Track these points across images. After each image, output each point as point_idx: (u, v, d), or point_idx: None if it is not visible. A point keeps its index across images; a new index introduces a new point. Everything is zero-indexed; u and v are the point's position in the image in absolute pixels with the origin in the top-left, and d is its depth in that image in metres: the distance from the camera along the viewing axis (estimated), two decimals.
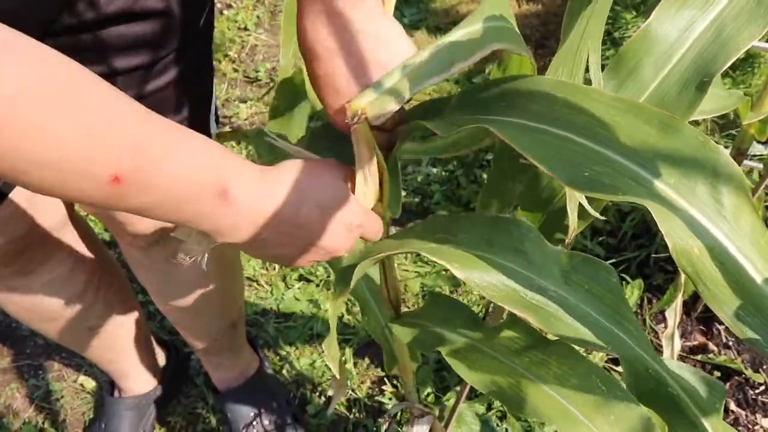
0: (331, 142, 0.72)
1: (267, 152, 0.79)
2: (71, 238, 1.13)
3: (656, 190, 0.52)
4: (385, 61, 0.63)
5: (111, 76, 0.79)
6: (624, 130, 0.55)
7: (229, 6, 2.57)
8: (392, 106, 0.60)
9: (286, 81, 1.05)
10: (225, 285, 1.25)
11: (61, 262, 1.12)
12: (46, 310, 1.17)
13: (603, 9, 0.68)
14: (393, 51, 0.64)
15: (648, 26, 0.67)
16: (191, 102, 0.89)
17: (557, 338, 0.60)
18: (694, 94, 0.65)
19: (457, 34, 0.63)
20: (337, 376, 0.80)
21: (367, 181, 0.66)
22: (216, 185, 0.54)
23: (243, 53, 2.43)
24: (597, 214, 0.77)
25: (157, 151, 0.50)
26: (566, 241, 0.82)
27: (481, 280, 0.61)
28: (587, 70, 0.72)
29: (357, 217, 0.65)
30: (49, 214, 1.04)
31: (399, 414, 1.48)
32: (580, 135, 0.56)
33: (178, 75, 0.85)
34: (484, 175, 1.94)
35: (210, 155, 0.55)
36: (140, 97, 0.82)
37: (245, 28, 2.50)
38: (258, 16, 2.55)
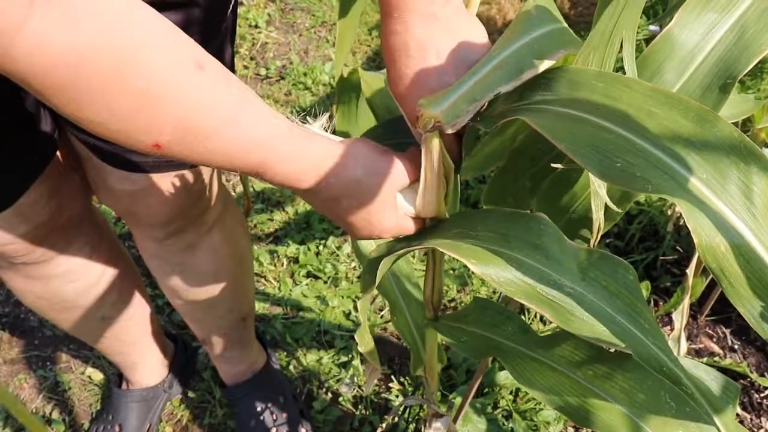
0: (399, 135, 0.74)
1: None
2: (89, 227, 1.15)
3: (687, 184, 0.52)
4: (472, 61, 0.64)
5: None
6: (660, 121, 0.54)
7: (241, 3, 2.58)
8: (465, 116, 0.61)
9: (345, 81, 1.05)
10: (237, 278, 1.26)
11: (79, 251, 1.13)
12: (61, 299, 1.18)
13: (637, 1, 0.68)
14: (479, 51, 0.65)
15: (669, 30, 0.68)
16: None
17: (615, 350, 0.60)
18: (717, 96, 0.65)
19: (523, 40, 0.64)
20: (377, 367, 0.81)
21: (433, 187, 0.67)
22: (255, 168, 0.60)
23: (254, 50, 2.43)
24: (618, 210, 0.77)
25: (203, 126, 0.54)
26: (591, 241, 0.82)
27: (498, 275, 0.61)
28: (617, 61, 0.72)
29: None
30: (71, 203, 1.05)
31: (407, 411, 1.49)
32: (617, 124, 0.55)
33: None
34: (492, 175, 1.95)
35: (255, 141, 0.59)
36: None
37: (256, 26, 2.51)
38: (269, 14, 2.56)
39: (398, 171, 0.67)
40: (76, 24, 0.45)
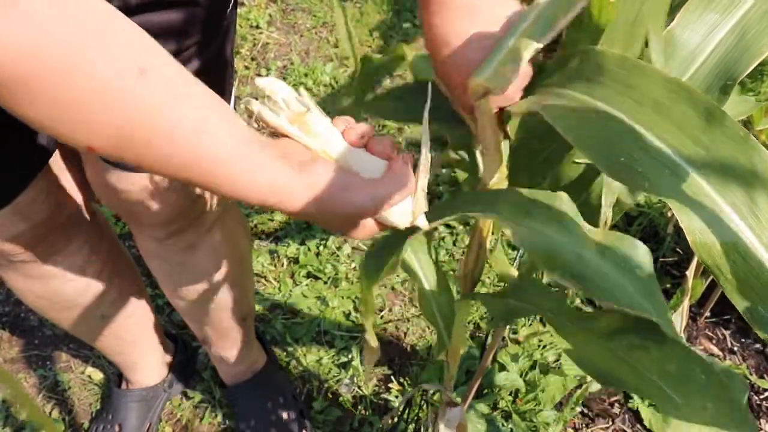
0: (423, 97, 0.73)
1: None
2: (88, 226, 1.15)
3: (688, 179, 0.52)
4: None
5: None
6: (669, 113, 0.54)
7: (242, 4, 2.58)
8: (511, 74, 0.60)
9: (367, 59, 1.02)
10: (237, 278, 1.26)
11: (78, 250, 1.13)
12: (61, 297, 1.18)
13: None
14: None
15: (671, 30, 0.68)
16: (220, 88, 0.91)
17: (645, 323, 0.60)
18: (718, 98, 0.66)
19: None
20: (372, 344, 0.81)
21: (492, 155, 0.68)
22: (205, 186, 0.60)
23: (255, 51, 2.44)
24: (632, 203, 0.77)
25: (138, 136, 0.54)
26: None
27: (528, 238, 0.62)
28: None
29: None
30: (70, 202, 1.06)
31: (407, 412, 1.49)
32: (628, 115, 0.56)
33: (198, 68, 0.86)
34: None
35: (200, 159, 0.57)
36: None
37: (257, 26, 2.51)
38: (270, 15, 2.57)
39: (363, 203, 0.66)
40: (24, 20, 0.45)
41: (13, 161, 0.89)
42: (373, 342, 0.77)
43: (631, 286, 0.60)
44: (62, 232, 1.07)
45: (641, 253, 0.61)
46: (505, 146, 0.71)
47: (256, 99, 0.68)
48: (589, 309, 1.69)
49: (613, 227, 1.81)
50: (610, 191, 0.74)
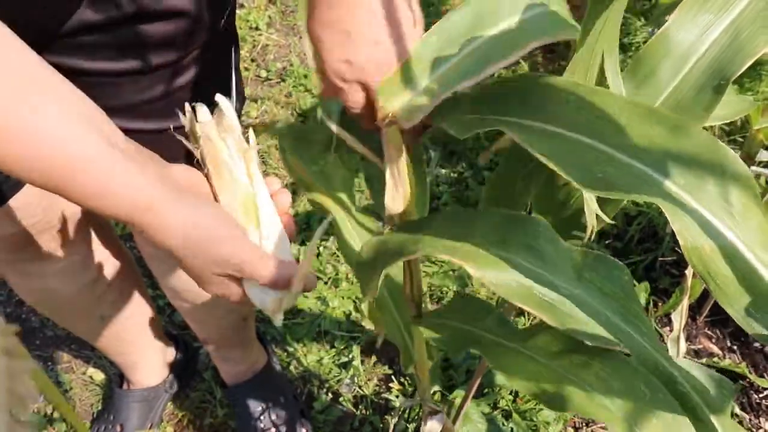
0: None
1: (291, 148, 0.80)
2: (85, 227, 1.15)
3: (667, 191, 0.53)
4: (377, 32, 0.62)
5: (145, 72, 0.81)
6: (636, 132, 0.56)
7: (241, 5, 2.59)
8: (423, 111, 0.60)
9: None
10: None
11: (76, 250, 1.13)
12: (59, 297, 1.18)
13: (617, 13, 0.69)
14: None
15: (666, 30, 0.69)
16: (211, 99, 0.91)
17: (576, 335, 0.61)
18: (711, 97, 0.66)
19: (494, 30, 0.63)
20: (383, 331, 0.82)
21: (397, 182, 0.66)
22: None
23: (254, 52, 2.44)
24: (609, 220, 0.78)
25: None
26: (584, 240, 0.83)
27: (497, 279, 0.61)
28: (602, 73, 0.73)
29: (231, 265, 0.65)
30: (64, 203, 1.06)
31: (407, 412, 1.50)
32: (593, 137, 0.57)
33: (199, 74, 0.86)
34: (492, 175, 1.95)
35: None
36: (167, 94, 0.84)
37: (257, 28, 2.52)
38: (269, 16, 2.57)
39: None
40: None
41: None
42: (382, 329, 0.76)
43: (611, 310, 0.61)
44: (58, 232, 1.08)
45: (621, 275, 0.62)
46: (409, 170, 0.69)
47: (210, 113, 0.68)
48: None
49: (613, 226, 1.81)
50: (591, 199, 0.75)
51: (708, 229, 0.52)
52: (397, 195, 0.67)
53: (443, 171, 2.02)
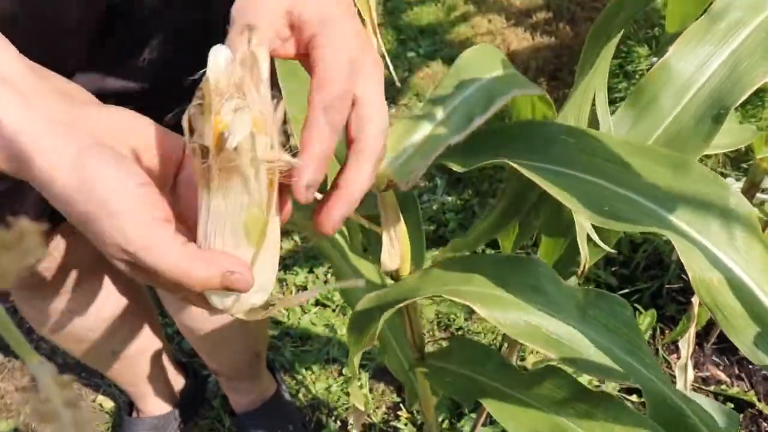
0: None
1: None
2: (99, 266, 1.15)
3: (672, 225, 0.55)
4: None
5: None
6: (636, 170, 0.58)
7: None
8: (419, 171, 0.61)
9: None
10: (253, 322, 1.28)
11: (88, 289, 1.14)
12: (71, 332, 1.19)
13: (609, 51, 0.71)
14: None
15: (666, 60, 0.70)
16: None
17: (596, 388, 0.61)
18: (711, 126, 0.68)
19: (471, 88, 0.65)
20: (361, 408, 0.82)
21: (393, 242, 0.67)
22: None
23: None
24: (609, 249, 0.79)
25: None
26: (579, 271, 0.84)
27: (504, 318, 0.63)
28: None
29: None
30: (81, 246, 1.04)
31: None
32: (596, 175, 0.59)
33: None
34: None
35: None
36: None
37: None
38: None
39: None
40: None
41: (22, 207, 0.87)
42: (360, 405, 0.77)
43: (616, 345, 0.62)
44: (72, 274, 1.09)
45: (624, 310, 0.64)
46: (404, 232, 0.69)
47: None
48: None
49: (618, 253, 1.81)
50: (582, 229, 0.76)
51: (715, 262, 0.53)
52: (394, 252, 0.69)
53: (449, 198, 2.03)
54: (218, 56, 0.44)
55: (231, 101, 0.43)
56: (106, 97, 0.53)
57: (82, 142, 0.44)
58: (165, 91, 0.76)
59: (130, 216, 0.45)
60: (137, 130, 0.48)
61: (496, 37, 2.56)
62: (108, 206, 0.44)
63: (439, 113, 0.65)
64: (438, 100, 0.66)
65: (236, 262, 0.46)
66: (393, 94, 2.35)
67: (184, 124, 0.44)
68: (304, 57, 0.51)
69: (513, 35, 2.56)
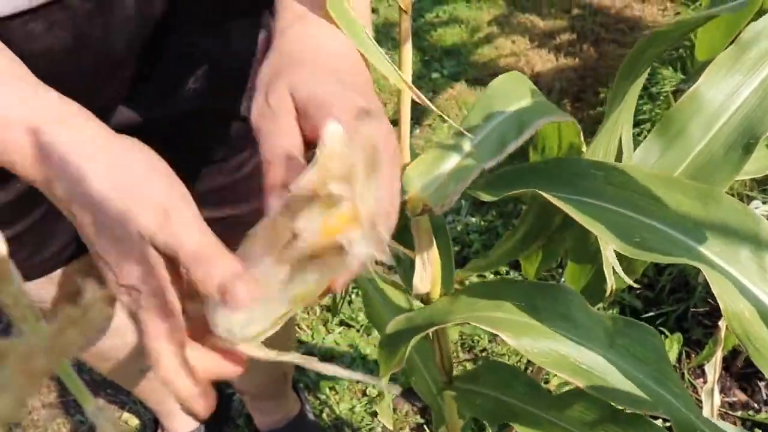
0: None
1: None
2: None
3: (702, 256, 0.55)
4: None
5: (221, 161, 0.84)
6: (665, 202, 0.58)
7: None
8: (453, 196, 0.62)
9: None
10: (281, 340, 1.28)
11: (117, 312, 1.15)
12: (100, 351, 1.20)
13: (637, 87, 0.72)
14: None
15: (696, 89, 0.71)
16: None
17: (626, 410, 0.62)
18: (741, 155, 0.68)
19: (502, 115, 0.67)
20: (390, 428, 0.82)
21: (426, 266, 0.68)
22: None
23: None
24: (631, 282, 0.79)
25: None
26: (605, 295, 0.84)
27: (532, 347, 0.63)
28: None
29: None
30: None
31: None
32: (624, 206, 0.59)
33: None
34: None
35: None
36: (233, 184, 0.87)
37: None
38: None
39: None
40: None
41: (54, 238, 0.89)
42: (389, 424, 0.77)
43: (644, 374, 0.62)
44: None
45: (652, 339, 0.64)
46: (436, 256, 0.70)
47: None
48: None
49: (643, 276, 1.80)
50: (608, 260, 0.76)
51: (745, 293, 0.53)
52: (426, 276, 0.69)
53: (473, 219, 2.03)
54: (335, 136, 0.41)
55: (344, 204, 0.40)
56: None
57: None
58: (206, 118, 0.78)
59: (169, 179, 0.47)
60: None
61: (519, 59, 2.57)
62: (145, 172, 0.46)
63: (471, 140, 0.66)
64: (469, 128, 0.67)
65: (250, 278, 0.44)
66: (417, 114, 2.36)
67: (294, 192, 0.41)
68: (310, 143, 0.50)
69: (537, 57, 2.57)
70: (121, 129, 0.50)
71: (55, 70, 0.49)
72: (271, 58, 0.54)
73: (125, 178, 0.46)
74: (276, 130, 0.48)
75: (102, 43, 0.68)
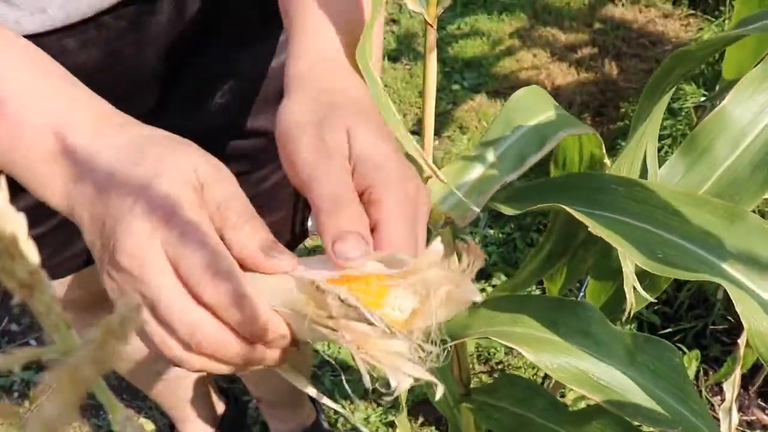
0: None
1: None
2: None
3: (725, 274, 0.55)
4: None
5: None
6: (688, 218, 0.58)
7: None
8: (474, 210, 0.63)
9: None
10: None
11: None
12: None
13: (662, 106, 0.72)
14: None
15: (723, 108, 0.71)
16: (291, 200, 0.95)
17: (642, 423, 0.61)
18: (767, 175, 0.68)
19: (522, 129, 0.67)
20: None
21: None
22: None
23: None
24: (651, 298, 0.79)
25: None
26: (623, 317, 0.84)
27: (552, 362, 0.63)
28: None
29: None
30: None
31: None
32: (647, 222, 0.59)
33: (279, 181, 0.90)
34: (540, 239, 1.96)
35: None
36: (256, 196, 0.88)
37: None
38: None
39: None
40: None
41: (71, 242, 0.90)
42: None
43: (664, 391, 0.62)
44: None
45: (672, 356, 0.63)
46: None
47: None
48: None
49: (663, 292, 1.79)
50: (629, 278, 0.76)
51: None
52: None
53: (491, 231, 2.03)
54: (437, 251, 0.42)
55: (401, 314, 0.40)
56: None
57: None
58: (232, 132, 0.79)
59: (205, 157, 0.48)
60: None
61: (540, 72, 2.57)
62: (174, 150, 0.48)
63: (493, 153, 0.66)
64: (490, 141, 0.67)
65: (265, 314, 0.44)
66: (437, 126, 2.36)
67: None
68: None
69: (558, 70, 2.57)
70: None
71: (85, 85, 0.50)
72: (308, 87, 0.52)
73: (154, 149, 0.49)
74: (330, 171, 0.48)
75: (134, 59, 0.69)
